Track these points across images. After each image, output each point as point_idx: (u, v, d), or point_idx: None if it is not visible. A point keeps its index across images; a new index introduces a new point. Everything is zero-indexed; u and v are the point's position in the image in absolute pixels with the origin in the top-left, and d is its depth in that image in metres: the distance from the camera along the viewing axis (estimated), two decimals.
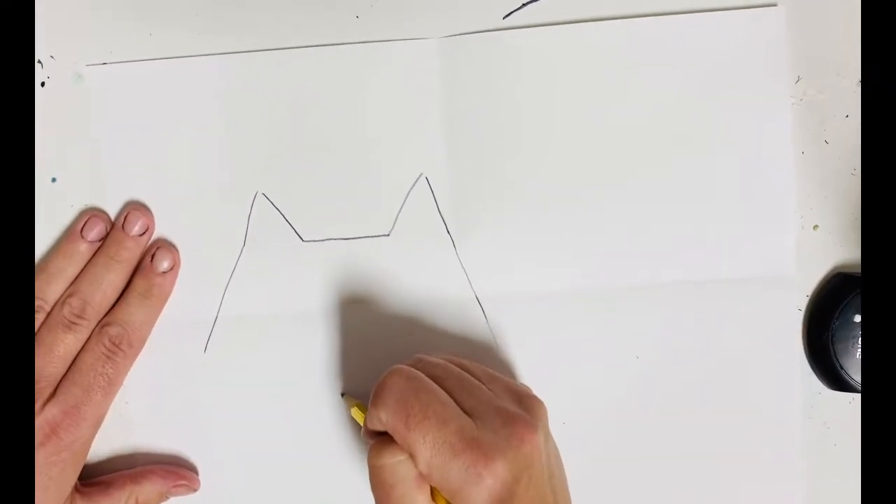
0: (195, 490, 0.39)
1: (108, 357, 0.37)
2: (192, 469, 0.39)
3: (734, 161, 0.38)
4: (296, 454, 0.39)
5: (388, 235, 0.38)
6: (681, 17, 0.37)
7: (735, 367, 0.38)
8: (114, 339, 0.37)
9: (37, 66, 0.39)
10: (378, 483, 0.32)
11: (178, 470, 0.39)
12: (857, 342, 0.37)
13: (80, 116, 0.39)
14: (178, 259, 0.39)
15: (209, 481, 0.39)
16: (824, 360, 0.37)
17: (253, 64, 0.38)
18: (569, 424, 0.38)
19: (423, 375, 0.33)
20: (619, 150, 0.38)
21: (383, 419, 0.32)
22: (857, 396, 0.38)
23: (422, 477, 0.31)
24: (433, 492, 0.32)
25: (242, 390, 0.39)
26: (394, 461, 0.32)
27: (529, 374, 0.38)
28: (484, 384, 0.34)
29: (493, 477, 0.30)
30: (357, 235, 0.38)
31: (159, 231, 0.39)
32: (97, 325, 0.37)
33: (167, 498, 0.39)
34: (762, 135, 0.38)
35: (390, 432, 0.32)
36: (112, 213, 0.39)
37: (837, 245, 0.38)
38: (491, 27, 0.38)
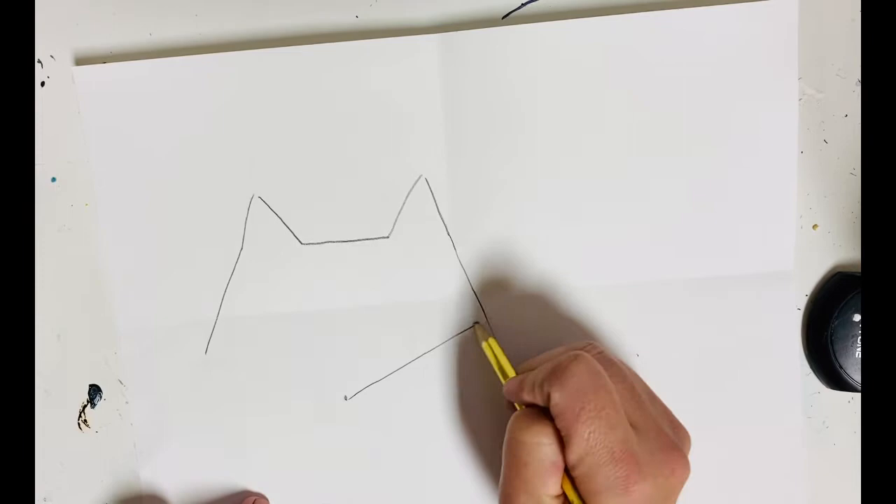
0: None
1: None
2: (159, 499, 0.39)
3: (735, 160, 0.38)
4: (296, 454, 0.39)
5: (388, 237, 0.38)
6: (682, 13, 0.37)
7: (735, 366, 0.38)
8: None
9: (36, 65, 0.38)
10: (513, 454, 0.32)
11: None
12: (857, 341, 0.37)
13: (79, 116, 0.38)
14: None
15: (209, 481, 0.39)
16: (824, 359, 0.37)
17: (253, 63, 0.38)
18: None
19: (604, 372, 0.32)
20: (620, 148, 0.38)
21: (556, 399, 0.31)
22: (857, 396, 0.38)
23: (560, 465, 0.31)
24: (563, 480, 0.31)
25: (242, 391, 0.39)
26: (538, 441, 0.31)
27: None
28: (645, 402, 0.33)
29: (639, 494, 0.30)
30: (356, 238, 0.38)
31: (160, 231, 0.39)
32: None
33: None
34: (764, 134, 0.37)
35: (555, 414, 0.31)
36: (113, 212, 0.39)
37: (837, 244, 0.38)
38: (491, 25, 0.38)
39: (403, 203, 0.38)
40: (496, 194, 0.38)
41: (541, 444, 0.31)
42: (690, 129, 0.38)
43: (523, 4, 0.38)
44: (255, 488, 0.39)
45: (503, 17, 0.38)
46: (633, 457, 0.30)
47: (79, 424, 0.39)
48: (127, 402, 0.39)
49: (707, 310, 0.38)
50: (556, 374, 0.32)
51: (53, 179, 0.39)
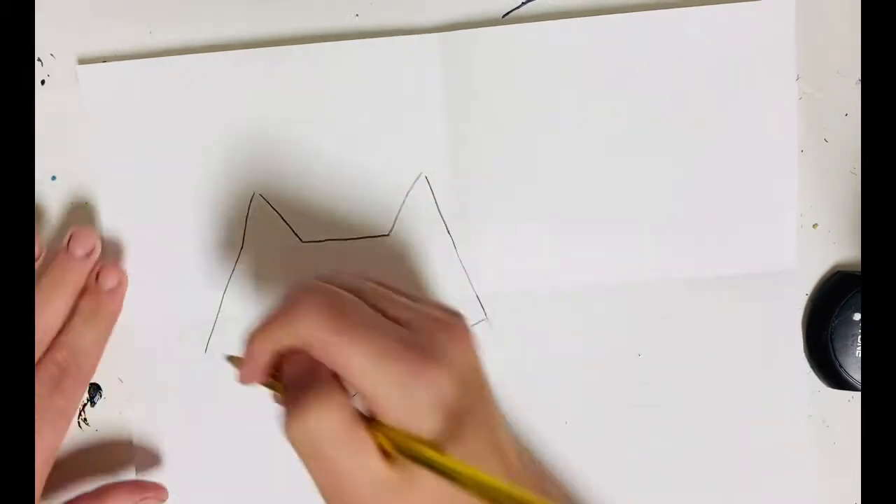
0: (163, 501, 0.38)
1: (56, 386, 0.34)
2: (159, 485, 0.38)
3: (735, 158, 0.38)
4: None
5: (388, 235, 0.38)
6: (682, 12, 0.37)
7: (735, 365, 0.38)
8: (61, 365, 0.34)
9: (36, 64, 0.38)
10: (308, 450, 0.26)
11: (143, 482, 0.38)
12: (857, 341, 0.37)
13: (79, 115, 0.38)
14: (125, 278, 0.37)
15: (209, 481, 0.39)
16: (824, 358, 0.37)
17: (252, 63, 0.38)
18: (571, 424, 0.38)
19: (340, 290, 0.28)
20: (620, 148, 0.38)
21: (302, 332, 0.26)
22: (857, 395, 0.38)
23: (355, 416, 0.26)
24: (374, 432, 0.27)
25: (243, 390, 0.39)
26: (315, 414, 0.26)
27: (530, 374, 0.38)
28: (394, 296, 0.30)
29: (441, 381, 0.26)
30: (356, 236, 0.38)
31: (160, 229, 0.39)
32: (44, 351, 0.35)
33: None
34: (764, 132, 0.37)
35: (312, 347, 0.26)
36: (113, 210, 0.39)
37: (837, 243, 0.38)
38: (491, 23, 0.38)
39: (403, 201, 0.38)
40: (497, 193, 0.38)
41: (330, 414, 0.26)
42: (691, 128, 0.38)
43: (523, 3, 0.38)
44: (254, 487, 0.39)
45: (503, 16, 0.38)
46: (415, 348, 0.26)
47: (79, 423, 0.39)
48: (127, 402, 0.39)
49: (707, 309, 0.38)
50: (290, 308, 0.27)
51: (53, 178, 0.39)
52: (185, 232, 0.39)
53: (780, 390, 0.38)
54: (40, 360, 0.34)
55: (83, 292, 0.36)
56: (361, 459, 0.26)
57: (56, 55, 0.39)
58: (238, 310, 0.39)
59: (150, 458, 0.39)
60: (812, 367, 0.38)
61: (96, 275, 0.36)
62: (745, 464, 0.38)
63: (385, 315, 0.28)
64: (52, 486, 0.39)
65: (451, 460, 0.25)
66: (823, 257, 0.38)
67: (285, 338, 0.27)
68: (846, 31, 0.37)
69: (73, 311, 0.36)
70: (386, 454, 0.26)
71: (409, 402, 0.26)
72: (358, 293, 0.28)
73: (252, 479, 0.39)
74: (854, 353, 0.37)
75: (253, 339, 0.28)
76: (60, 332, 0.35)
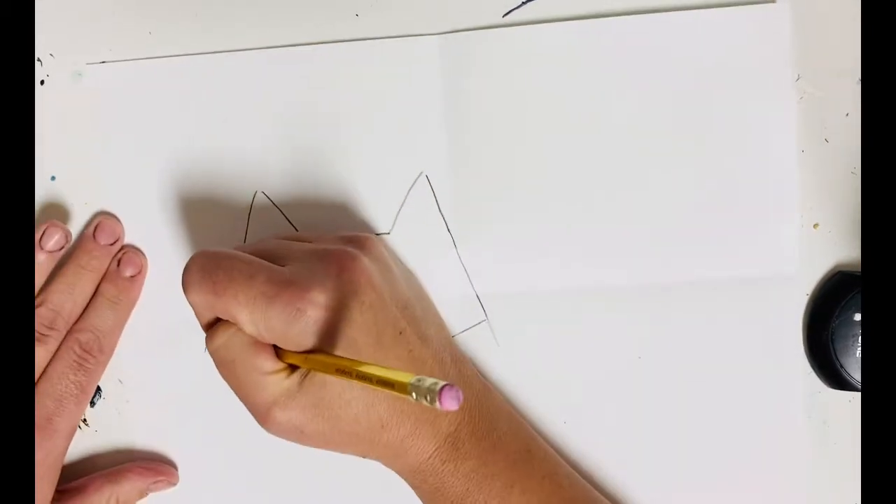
0: (174, 485, 0.39)
1: (80, 365, 0.36)
2: (170, 464, 0.39)
3: (735, 159, 0.38)
4: (295, 453, 0.39)
5: (389, 234, 0.38)
6: (682, 14, 0.37)
7: (735, 366, 0.38)
8: (84, 345, 0.36)
9: (36, 64, 0.38)
10: (220, 366, 0.32)
11: (156, 466, 0.39)
12: (857, 341, 0.37)
13: (79, 115, 0.38)
14: (146, 264, 0.39)
15: (208, 481, 0.39)
16: (824, 358, 0.37)
17: (253, 62, 0.38)
18: (570, 424, 0.38)
19: (223, 249, 0.32)
20: (620, 149, 0.38)
21: (195, 301, 0.32)
22: (857, 395, 0.38)
23: (256, 342, 0.31)
24: (279, 352, 0.31)
25: None
26: (224, 338, 0.31)
27: (530, 374, 0.38)
28: (312, 240, 0.34)
29: (313, 307, 0.30)
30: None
31: (161, 228, 0.39)
32: (67, 332, 0.37)
33: (147, 495, 0.38)
34: (763, 133, 0.37)
35: (205, 311, 0.32)
36: (114, 210, 0.39)
37: (837, 243, 0.38)
38: (491, 24, 0.38)
39: (404, 200, 0.38)
40: (497, 193, 0.38)
41: (230, 337, 0.31)
42: (691, 130, 0.37)
43: (524, 3, 0.38)
44: (254, 486, 0.39)
45: (504, 15, 0.38)
46: (287, 283, 0.30)
47: (79, 424, 0.39)
48: (127, 402, 0.39)
49: (708, 310, 0.38)
50: (183, 280, 0.32)
51: (53, 178, 0.39)
52: (187, 230, 0.39)
53: (781, 390, 0.38)
54: (64, 340, 0.37)
55: (105, 277, 0.38)
56: (258, 370, 0.31)
57: (56, 55, 0.39)
58: None
59: (150, 458, 0.39)
60: (812, 367, 0.38)
61: (118, 261, 0.38)
62: (746, 464, 0.38)
63: (274, 261, 0.32)
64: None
65: (317, 356, 0.30)
66: (824, 257, 0.38)
67: (197, 309, 0.33)
68: (846, 31, 0.37)
69: (95, 295, 0.38)
70: (292, 369, 0.31)
71: (275, 328, 0.30)
72: (254, 253, 0.33)
73: (252, 479, 0.39)
74: (854, 354, 0.37)
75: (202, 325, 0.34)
76: (83, 314, 0.37)
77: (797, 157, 0.38)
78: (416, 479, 0.34)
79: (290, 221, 0.39)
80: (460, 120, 0.38)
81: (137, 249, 0.39)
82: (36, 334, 0.36)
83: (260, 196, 0.39)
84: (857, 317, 0.37)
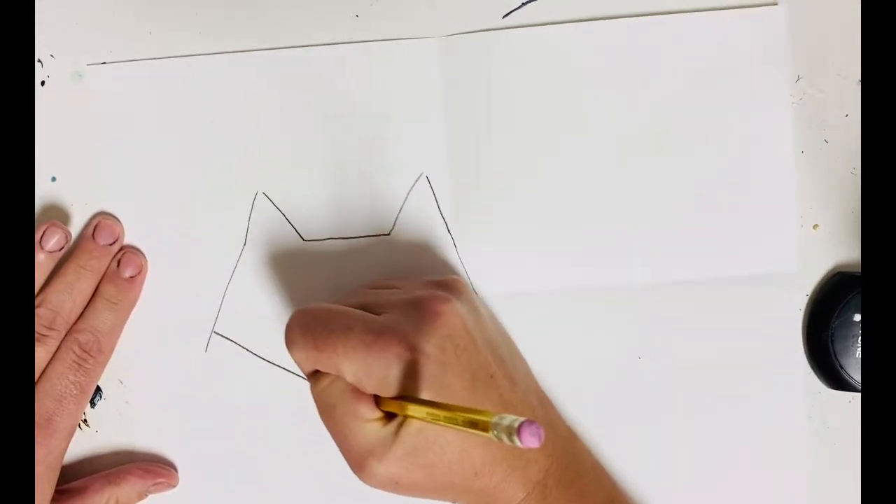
0: (174, 486, 0.39)
1: (79, 365, 0.36)
2: (170, 465, 0.39)
3: (734, 160, 0.38)
4: (295, 454, 0.39)
5: (389, 235, 0.38)
6: (681, 17, 0.37)
7: (735, 367, 0.38)
8: (84, 346, 0.36)
9: (36, 65, 0.38)
10: (322, 411, 0.33)
11: (155, 467, 0.38)
12: (857, 341, 0.37)
13: (79, 115, 0.38)
14: (145, 265, 0.38)
15: (209, 481, 0.39)
16: (824, 359, 0.37)
17: (253, 63, 0.38)
18: (571, 424, 0.38)
19: (320, 305, 0.33)
20: (620, 150, 0.38)
21: (298, 357, 0.32)
22: (857, 396, 0.38)
23: (356, 390, 0.31)
24: (378, 401, 0.32)
25: (242, 390, 0.39)
26: (326, 383, 0.32)
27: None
28: (399, 288, 0.34)
29: (410, 352, 0.30)
30: (358, 235, 0.38)
31: (162, 228, 0.39)
32: (67, 333, 0.37)
33: (146, 496, 0.38)
34: (762, 134, 0.37)
35: (310, 365, 0.32)
36: (114, 211, 0.39)
37: (837, 244, 0.38)
38: (491, 26, 0.38)
39: (404, 201, 0.38)
40: (497, 193, 0.38)
41: (331, 383, 0.32)
42: (689, 131, 0.38)
43: (523, 4, 0.38)
44: (253, 487, 0.39)
45: (503, 17, 0.38)
46: (385, 331, 0.31)
47: (79, 424, 0.39)
48: (127, 402, 0.39)
49: (708, 311, 0.38)
50: (286, 338, 0.33)
51: (53, 179, 0.39)
52: (187, 231, 0.39)
53: (781, 391, 0.38)
54: (64, 341, 0.37)
55: (105, 278, 0.38)
56: (357, 417, 0.31)
57: (56, 56, 0.39)
58: (239, 309, 0.39)
59: (150, 459, 0.39)
60: (812, 367, 0.38)
61: (118, 261, 0.38)
62: (746, 464, 0.38)
63: (369, 311, 0.33)
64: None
65: (410, 402, 0.30)
66: (824, 258, 0.38)
67: (302, 365, 0.33)
68: (846, 33, 0.37)
69: (95, 295, 0.38)
70: (389, 418, 0.32)
71: (374, 374, 0.31)
72: (349, 303, 0.33)
73: (252, 478, 0.39)
74: (854, 354, 0.37)
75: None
76: (82, 314, 0.37)
77: (797, 158, 0.38)
78: None
79: (290, 222, 0.39)
80: (460, 121, 0.38)
81: (137, 250, 0.39)
82: (35, 334, 0.36)
83: (260, 197, 0.39)
84: (857, 317, 0.37)
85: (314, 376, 0.33)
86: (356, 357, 0.31)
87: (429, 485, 0.32)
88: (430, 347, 0.31)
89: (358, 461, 0.32)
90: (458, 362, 0.31)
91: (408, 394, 0.31)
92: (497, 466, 0.32)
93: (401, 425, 0.31)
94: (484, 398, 0.32)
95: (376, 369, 0.30)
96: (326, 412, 0.32)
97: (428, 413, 0.29)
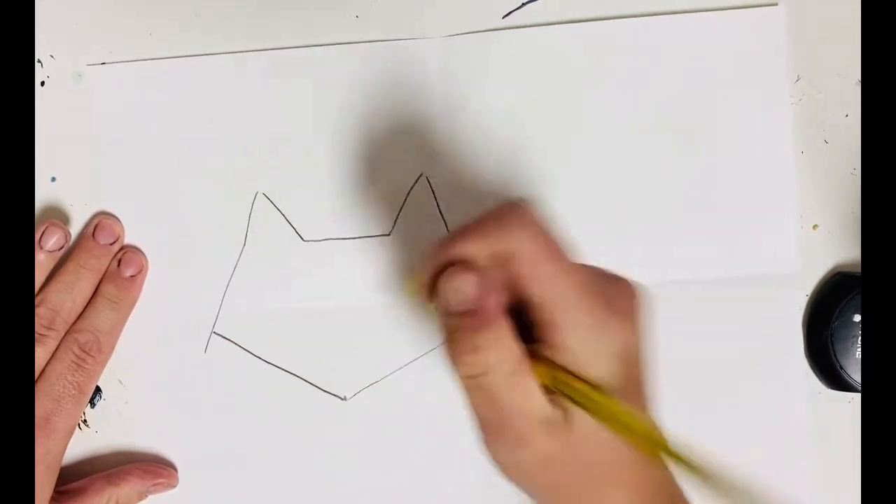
0: (174, 487, 0.39)
1: (79, 365, 0.36)
2: (170, 466, 0.39)
3: (734, 160, 0.38)
4: (296, 454, 0.39)
5: (389, 235, 0.38)
6: (681, 17, 0.37)
7: (735, 367, 0.38)
8: (84, 346, 0.36)
9: (36, 65, 0.38)
10: (478, 386, 0.26)
11: (155, 468, 0.38)
12: (857, 342, 0.37)
13: (79, 116, 0.38)
14: (146, 264, 0.38)
15: (209, 481, 0.39)
16: (824, 359, 0.37)
17: (253, 63, 0.38)
18: None
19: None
20: (619, 150, 0.38)
21: (515, 244, 0.26)
22: (857, 396, 0.38)
23: (529, 355, 0.26)
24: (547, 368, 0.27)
25: (242, 390, 0.39)
26: (500, 356, 0.25)
27: None
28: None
29: (626, 330, 0.27)
30: (357, 235, 0.38)
31: (162, 229, 0.39)
32: (66, 333, 0.36)
33: (146, 497, 0.38)
34: (762, 134, 0.38)
35: (519, 263, 0.26)
36: (114, 211, 0.39)
37: (837, 244, 0.38)
38: (491, 27, 0.38)
39: (404, 201, 0.38)
40: (497, 194, 0.38)
41: (506, 347, 0.26)
42: (689, 131, 0.38)
43: (523, 4, 0.38)
44: (253, 487, 0.39)
45: (503, 17, 0.38)
46: (607, 296, 0.27)
47: (78, 424, 0.39)
48: (127, 402, 0.39)
49: (707, 310, 0.38)
50: (503, 220, 0.27)
51: (53, 179, 0.39)
52: (187, 231, 0.39)
53: (781, 391, 0.38)
54: (63, 340, 0.36)
55: (105, 277, 0.38)
56: (525, 397, 0.26)
57: (56, 56, 0.39)
58: (239, 309, 0.39)
59: (150, 460, 0.39)
60: (812, 368, 0.38)
61: (118, 261, 0.38)
62: (745, 464, 0.38)
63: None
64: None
65: (612, 402, 0.26)
66: (824, 258, 0.38)
67: (494, 244, 0.26)
68: (846, 33, 0.37)
69: (95, 295, 0.38)
70: (548, 391, 0.26)
71: (597, 345, 0.26)
72: None
73: (252, 478, 0.39)
74: (854, 355, 0.37)
75: (455, 240, 0.27)
76: (82, 314, 0.37)
77: (797, 158, 0.38)
78: None
79: (289, 223, 0.39)
80: (460, 121, 0.38)
81: (137, 249, 0.39)
82: (35, 334, 0.36)
83: (260, 197, 0.39)
84: (857, 318, 0.37)
85: (476, 339, 0.26)
86: (589, 311, 0.26)
87: (569, 483, 0.27)
88: (638, 336, 0.27)
89: (512, 442, 0.26)
90: (640, 367, 0.28)
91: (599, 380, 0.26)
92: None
93: (569, 410, 0.26)
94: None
95: (608, 341, 0.26)
96: (483, 386, 0.26)
97: (628, 425, 0.25)
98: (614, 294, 0.28)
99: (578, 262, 0.28)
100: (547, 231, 0.27)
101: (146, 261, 0.38)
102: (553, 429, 0.26)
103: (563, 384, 0.26)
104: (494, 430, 0.27)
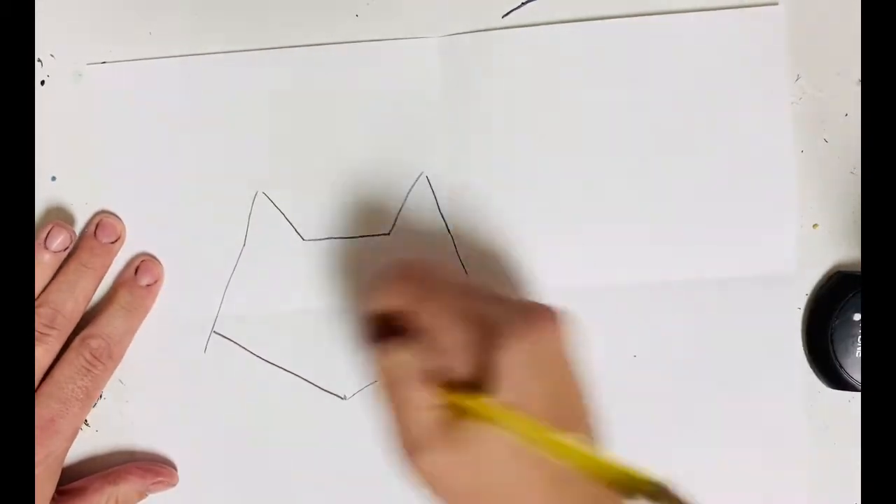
0: (174, 485, 0.39)
1: (88, 370, 0.36)
2: (170, 465, 0.39)
3: (734, 160, 0.38)
4: (295, 454, 0.39)
5: (389, 234, 0.38)
6: (681, 17, 0.37)
7: (734, 366, 0.38)
8: (95, 351, 0.36)
9: (36, 64, 0.39)
10: (385, 384, 0.30)
11: (155, 467, 0.38)
12: (857, 341, 0.37)
13: (79, 115, 0.39)
14: (162, 275, 0.38)
15: (209, 481, 0.39)
16: (824, 359, 0.37)
17: (252, 63, 0.38)
18: None
19: (422, 259, 0.33)
20: (619, 150, 0.38)
21: (393, 291, 0.31)
22: (857, 395, 0.38)
23: (425, 373, 0.29)
24: (446, 390, 0.29)
25: (242, 390, 0.39)
26: (396, 357, 0.30)
27: None
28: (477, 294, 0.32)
29: (508, 348, 0.28)
30: (357, 234, 0.38)
31: (161, 230, 0.39)
32: (78, 337, 0.37)
33: (146, 496, 0.38)
34: (762, 134, 0.38)
35: (401, 306, 0.30)
36: (114, 211, 0.39)
37: (837, 244, 0.38)
38: (490, 26, 0.38)
39: (404, 200, 0.38)
40: (497, 193, 0.38)
41: (405, 360, 0.30)
42: (688, 130, 0.38)
43: (523, 3, 0.38)
44: (253, 486, 0.39)
45: (503, 16, 0.38)
46: (490, 324, 0.29)
47: (80, 426, 0.39)
48: (127, 402, 0.39)
49: (707, 310, 0.38)
50: (384, 274, 0.32)
51: (53, 178, 0.39)
52: (187, 230, 0.39)
53: (781, 391, 0.38)
54: (74, 344, 0.37)
55: (121, 284, 0.38)
56: (419, 400, 0.29)
57: (56, 56, 0.39)
58: (239, 309, 0.39)
59: (150, 459, 0.39)
60: (812, 367, 0.38)
61: (136, 269, 0.38)
62: (745, 464, 0.38)
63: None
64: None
65: (494, 407, 0.28)
66: (823, 258, 0.38)
67: (384, 301, 0.32)
68: (846, 32, 0.37)
69: (109, 302, 0.38)
70: (457, 410, 0.29)
71: (463, 350, 0.29)
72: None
73: (252, 478, 0.39)
74: (854, 354, 0.37)
75: (365, 313, 0.33)
76: (95, 319, 0.37)
77: (797, 158, 0.38)
78: None
79: (290, 222, 0.39)
80: (460, 121, 0.38)
81: (155, 259, 0.39)
82: (36, 333, 0.36)
83: (260, 197, 0.39)
84: (857, 317, 0.37)
85: (385, 346, 0.30)
86: (457, 323, 0.29)
87: (468, 492, 0.29)
88: (529, 348, 0.28)
89: (408, 447, 0.29)
90: (549, 379, 0.29)
91: (479, 385, 0.28)
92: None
93: (459, 421, 0.29)
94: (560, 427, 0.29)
95: (467, 345, 0.29)
96: (389, 386, 0.30)
97: (511, 422, 0.27)
98: (504, 316, 0.29)
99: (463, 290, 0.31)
100: (421, 270, 0.32)
101: (163, 270, 0.38)
102: (447, 440, 0.29)
103: (454, 394, 0.29)
104: (396, 433, 0.30)
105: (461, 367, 0.29)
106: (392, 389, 0.30)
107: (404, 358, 0.30)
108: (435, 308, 0.30)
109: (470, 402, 0.28)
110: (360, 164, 0.38)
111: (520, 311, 0.30)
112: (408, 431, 0.29)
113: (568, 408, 0.30)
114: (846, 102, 0.38)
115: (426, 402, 0.29)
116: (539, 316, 0.30)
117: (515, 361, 0.28)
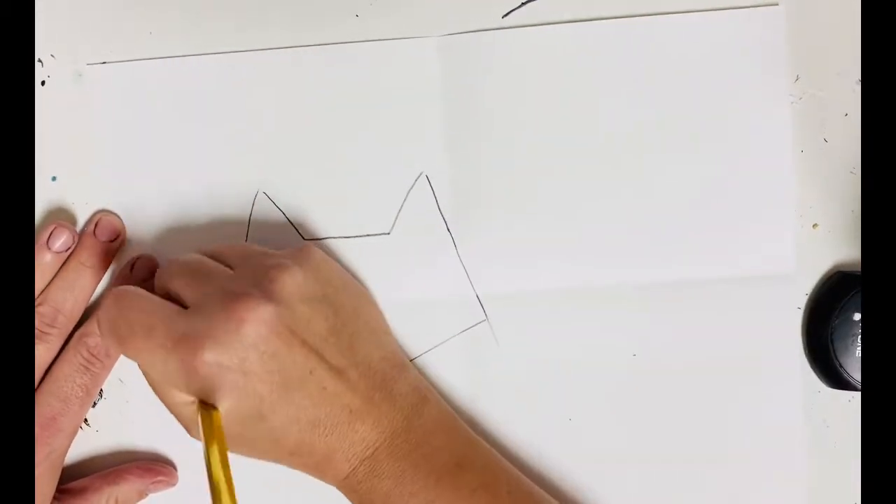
0: (174, 485, 0.39)
1: (87, 368, 0.37)
2: (169, 464, 0.39)
3: (734, 159, 0.38)
4: None
5: (389, 234, 0.38)
6: (681, 17, 0.37)
7: (734, 366, 0.38)
8: (93, 350, 0.37)
9: (37, 64, 0.39)
10: (145, 375, 0.33)
11: (155, 466, 0.39)
12: (857, 341, 0.37)
13: (80, 115, 0.39)
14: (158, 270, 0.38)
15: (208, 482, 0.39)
16: (824, 358, 0.37)
17: (253, 63, 0.38)
18: (574, 422, 0.38)
19: (133, 289, 0.33)
20: (619, 149, 0.38)
21: (107, 344, 0.34)
22: (857, 395, 0.38)
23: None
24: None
25: None
26: (146, 360, 0.32)
27: (530, 374, 0.38)
28: (233, 267, 0.34)
29: (205, 367, 0.30)
30: (357, 234, 0.38)
31: (161, 230, 0.39)
32: (75, 334, 0.37)
33: (146, 495, 0.38)
34: (762, 133, 0.38)
35: (117, 354, 0.35)
36: (115, 210, 0.39)
37: (837, 243, 0.38)
38: (490, 26, 0.38)
39: (404, 200, 0.38)
40: (497, 193, 0.38)
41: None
42: (688, 130, 0.38)
43: (523, 3, 0.38)
44: (252, 487, 0.39)
45: (503, 17, 0.38)
46: (184, 338, 0.30)
47: (80, 425, 0.39)
48: (127, 402, 0.39)
49: (706, 310, 0.38)
50: (98, 324, 0.34)
51: (54, 178, 0.39)
52: (187, 230, 0.39)
53: (780, 390, 0.38)
54: (72, 342, 0.37)
55: (118, 281, 0.38)
56: (175, 397, 0.32)
57: (56, 56, 0.39)
58: None
59: (150, 459, 0.39)
60: (812, 367, 0.38)
61: (131, 267, 0.38)
62: (744, 464, 0.38)
63: (185, 300, 0.32)
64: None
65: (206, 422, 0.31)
66: (823, 257, 0.38)
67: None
68: (846, 32, 0.37)
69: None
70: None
71: (174, 380, 0.31)
72: (170, 280, 0.33)
73: (252, 478, 0.39)
74: (854, 353, 0.37)
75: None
76: (92, 317, 0.37)
77: (797, 158, 0.38)
78: (344, 493, 0.34)
79: (290, 222, 0.39)
80: (460, 120, 0.38)
81: (150, 256, 0.38)
82: (36, 332, 0.36)
83: (261, 196, 0.39)
84: (857, 317, 0.37)
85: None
86: (156, 361, 0.31)
87: (254, 454, 0.33)
88: (229, 359, 0.30)
89: (183, 421, 0.33)
90: (263, 369, 0.31)
91: (210, 401, 0.31)
92: (315, 450, 0.33)
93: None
94: (300, 396, 0.32)
95: (176, 377, 0.31)
96: (148, 379, 0.33)
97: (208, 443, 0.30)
98: (209, 316, 0.31)
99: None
100: (115, 320, 0.32)
101: (158, 267, 0.38)
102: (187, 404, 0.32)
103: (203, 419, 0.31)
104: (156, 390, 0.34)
105: (185, 389, 0.32)
106: (152, 383, 0.34)
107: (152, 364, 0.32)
108: (134, 352, 0.32)
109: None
110: (360, 164, 0.38)
111: (215, 313, 0.31)
112: (177, 416, 0.33)
113: (303, 370, 0.32)
114: (846, 102, 0.38)
115: (182, 400, 0.32)
116: (231, 317, 0.31)
117: (221, 375, 0.31)
